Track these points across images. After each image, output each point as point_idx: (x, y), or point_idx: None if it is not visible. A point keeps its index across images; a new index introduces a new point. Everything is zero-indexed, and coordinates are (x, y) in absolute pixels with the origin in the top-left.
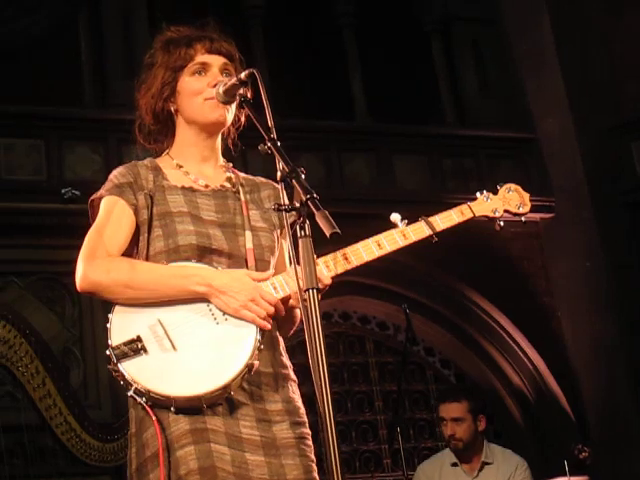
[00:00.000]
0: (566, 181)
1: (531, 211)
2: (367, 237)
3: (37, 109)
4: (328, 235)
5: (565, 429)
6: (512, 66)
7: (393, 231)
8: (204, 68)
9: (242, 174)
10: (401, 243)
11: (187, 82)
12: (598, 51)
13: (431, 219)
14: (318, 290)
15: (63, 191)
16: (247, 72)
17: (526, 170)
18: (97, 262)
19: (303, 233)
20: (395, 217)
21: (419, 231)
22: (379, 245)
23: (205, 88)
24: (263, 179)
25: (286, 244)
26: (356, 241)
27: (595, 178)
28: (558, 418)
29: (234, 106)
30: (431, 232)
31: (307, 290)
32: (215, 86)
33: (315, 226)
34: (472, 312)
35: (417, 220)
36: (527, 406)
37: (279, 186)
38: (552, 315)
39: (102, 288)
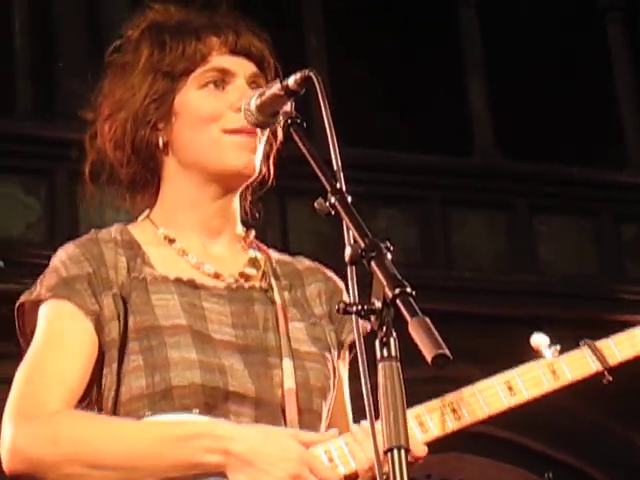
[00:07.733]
0: None
1: None
2: (487, 366)
3: None
4: (429, 360)
5: None
6: None
7: (535, 364)
8: (224, 79)
9: (273, 252)
10: (547, 386)
11: (195, 98)
12: None
13: (601, 344)
14: (407, 452)
15: None
16: (301, 76)
17: None
18: (36, 424)
19: (386, 354)
20: (538, 340)
21: (580, 365)
22: (510, 389)
23: (226, 112)
24: (307, 262)
25: (345, 375)
26: (469, 375)
27: None
28: None
29: (263, 140)
30: (601, 368)
31: (389, 451)
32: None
33: (406, 342)
34: None
35: (577, 346)
36: None
37: (348, 275)
38: None
39: (46, 468)
